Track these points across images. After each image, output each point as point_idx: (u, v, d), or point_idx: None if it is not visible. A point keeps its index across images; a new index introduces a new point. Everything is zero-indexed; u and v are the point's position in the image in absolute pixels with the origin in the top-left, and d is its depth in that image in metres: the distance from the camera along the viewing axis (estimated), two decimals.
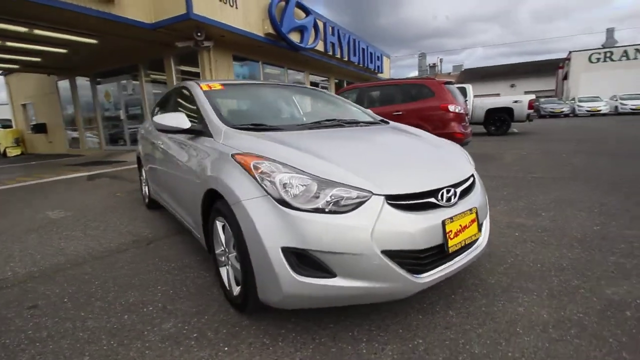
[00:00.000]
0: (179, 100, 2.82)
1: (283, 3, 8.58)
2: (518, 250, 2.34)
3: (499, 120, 11.32)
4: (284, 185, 1.43)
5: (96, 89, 10.74)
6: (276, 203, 1.42)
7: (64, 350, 1.55)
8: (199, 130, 2.12)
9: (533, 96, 11.34)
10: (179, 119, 2.15)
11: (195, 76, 8.38)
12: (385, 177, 1.53)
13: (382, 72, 16.38)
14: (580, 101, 22.79)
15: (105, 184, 5.81)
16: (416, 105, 6.08)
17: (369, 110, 2.99)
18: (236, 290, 1.75)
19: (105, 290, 2.10)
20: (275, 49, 9.39)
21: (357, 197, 1.41)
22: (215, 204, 1.81)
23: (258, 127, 2.04)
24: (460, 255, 1.62)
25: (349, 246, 1.35)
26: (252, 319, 1.69)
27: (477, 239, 1.71)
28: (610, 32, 35.51)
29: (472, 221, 1.66)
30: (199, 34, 7.06)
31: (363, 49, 13.74)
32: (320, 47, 10.53)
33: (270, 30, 8.37)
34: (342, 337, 1.53)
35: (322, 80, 13.43)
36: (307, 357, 1.41)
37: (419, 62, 46.44)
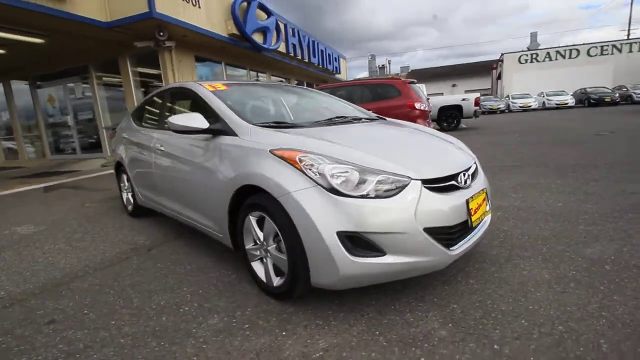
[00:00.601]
0: (178, 101, 2.77)
1: (245, 4, 8.51)
2: (505, 227, 2.68)
3: (450, 117, 12.27)
4: (333, 176, 1.56)
5: (37, 93, 9.70)
6: (327, 192, 1.54)
7: (111, 357, 1.51)
8: (219, 129, 2.14)
9: (478, 94, 12.48)
10: (197, 120, 2.15)
11: (155, 78, 7.99)
12: (416, 164, 1.72)
13: (339, 73, 16.84)
14: (513, 98, 25.38)
15: (67, 195, 5.35)
16: (385, 103, 6.46)
17: (361, 108, 3.18)
18: (276, 280, 1.83)
19: (126, 297, 2.03)
20: (238, 50, 9.27)
21: (399, 183, 1.58)
22: (247, 200, 1.87)
23: (280, 125, 2.13)
24: (477, 230, 1.86)
25: (396, 226, 1.52)
26: (296, 306, 1.78)
27: (487, 215, 1.98)
28: (533, 35, 39.92)
29: (484, 200, 1.92)
30: (161, 34, 6.75)
31: (322, 51, 14.04)
32: (282, 48, 10.58)
33: (235, 31, 8.25)
34: (387, 310, 1.68)
35: (282, 82, 13.48)
36: (363, 331, 1.54)
37: (369, 64, 48.18)
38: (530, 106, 24.20)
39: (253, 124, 2.06)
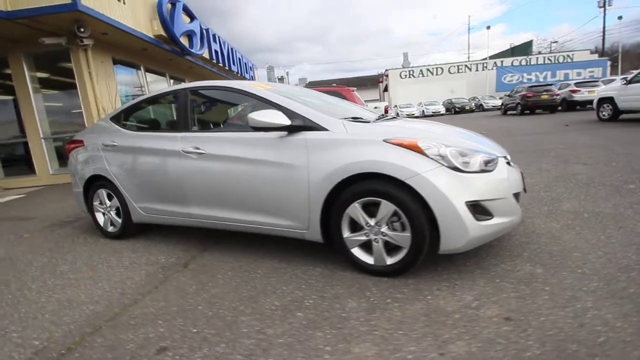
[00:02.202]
0: (216, 101, 2.57)
1: (170, 5, 7.85)
2: None
3: None
4: (453, 156, 1.85)
5: None
6: (451, 170, 1.83)
7: (296, 353, 1.46)
8: (300, 125, 2.17)
9: (387, 103, 14.26)
10: (279, 116, 2.14)
11: (68, 79, 6.63)
12: (487, 146, 2.15)
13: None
14: (400, 107, 29.50)
15: None
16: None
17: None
18: (389, 259, 2.00)
19: (232, 309, 1.87)
20: (161, 54, 8.46)
21: (495, 159, 1.98)
22: (350, 189, 1.99)
23: (357, 119, 2.29)
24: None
25: (500, 193, 1.91)
26: (413, 278, 1.98)
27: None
28: (405, 55, 47.13)
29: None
30: (81, 30, 5.70)
31: (239, 59, 13.80)
32: (205, 54, 10.06)
33: (162, 32, 7.52)
34: (488, 267, 2.06)
35: None
36: (487, 283, 1.87)
37: (267, 74, 48.73)
38: (413, 114, 28.58)
39: (343, 119, 2.19)
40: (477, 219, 1.83)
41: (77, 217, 4.28)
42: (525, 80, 29.59)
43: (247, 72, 15.05)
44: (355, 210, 2.02)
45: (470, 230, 1.81)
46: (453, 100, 28.45)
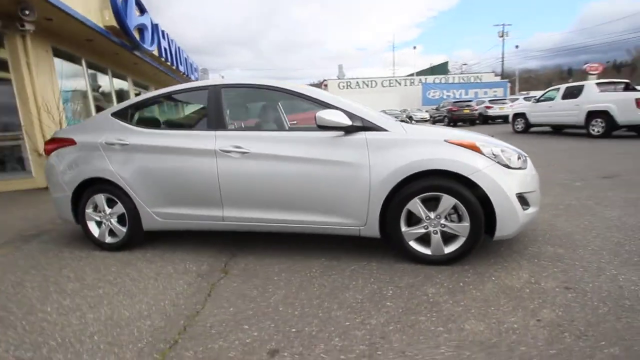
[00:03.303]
0: (255, 100, 2.48)
1: None
2: None
3: None
4: (504, 155, 2.15)
5: None
6: (502, 167, 2.12)
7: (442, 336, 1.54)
8: (360, 126, 2.26)
9: None
10: (341, 116, 2.21)
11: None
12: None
13: None
14: (412, 112, 30.39)
15: None
16: (307, 115, 7.02)
17: None
18: (447, 249, 2.20)
19: (317, 307, 1.87)
20: (106, 47, 7.57)
21: (525, 158, 2.33)
22: (410, 186, 2.15)
23: (405, 122, 2.46)
24: None
25: (533, 186, 2.26)
26: (468, 265, 2.21)
27: None
28: (340, 67, 49.37)
29: None
30: (26, 12, 4.81)
31: (185, 59, 12.97)
32: (155, 51, 9.27)
33: (113, 23, 6.73)
34: (527, 249, 2.39)
35: (142, 90, 11.59)
36: (534, 267, 2.19)
37: (201, 77, 46.45)
38: (426, 119, 29.67)
39: (398, 121, 2.35)
40: (523, 209, 2.15)
41: (39, 230, 3.63)
42: (445, 97, 33.41)
43: (192, 73, 14.22)
44: (416, 205, 2.19)
45: (520, 219, 2.12)
46: (387, 111, 30.70)
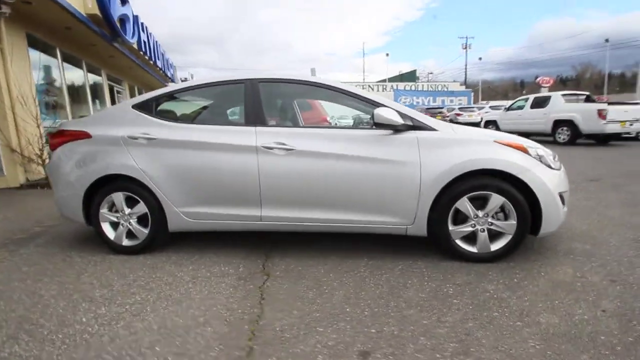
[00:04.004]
0: (295, 96, 2.40)
1: None
2: None
3: None
4: (547, 156, 2.25)
5: None
6: (546, 167, 2.22)
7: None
8: (410, 125, 2.26)
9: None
10: (395, 115, 2.20)
11: None
12: None
13: (175, 82, 15.16)
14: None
15: None
16: (304, 115, 6.95)
17: None
18: (493, 247, 2.26)
19: (385, 306, 1.84)
20: (84, 36, 7.00)
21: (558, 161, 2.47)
22: (458, 185, 2.20)
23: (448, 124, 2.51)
24: None
25: (567, 186, 2.39)
26: (511, 262, 2.28)
27: None
28: (313, 70, 49.30)
29: None
30: None
31: (162, 54, 12.36)
32: (134, 44, 8.74)
33: (96, 12, 6.26)
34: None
35: (114, 84, 10.86)
36: (574, 262, 2.31)
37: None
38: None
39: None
40: (563, 207, 2.26)
41: (29, 232, 3.26)
42: (415, 103, 34.68)
43: (168, 69, 13.58)
44: (464, 203, 2.23)
45: (561, 216, 2.23)
46: (361, 115, 31.29)
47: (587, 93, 11.07)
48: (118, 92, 10.74)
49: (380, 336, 1.59)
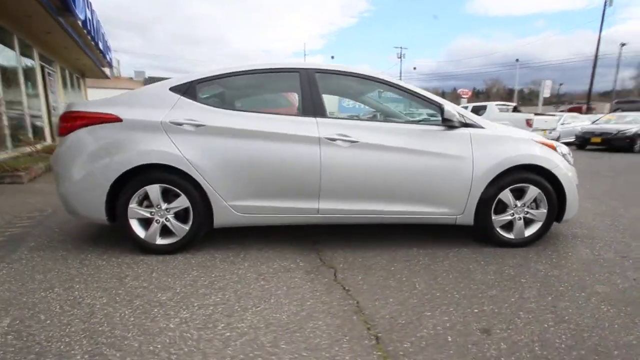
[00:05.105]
0: (356, 89, 2.38)
1: None
2: None
3: None
4: (568, 154, 2.64)
5: None
6: (567, 164, 2.60)
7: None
8: (464, 122, 2.45)
9: None
10: (457, 112, 2.36)
11: None
12: None
13: (112, 67, 13.48)
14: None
15: None
16: (282, 111, 6.83)
17: None
18: (527, 232, 2.57)
19: (470, 289, 1.97)
20: (24, 5, 5.91)
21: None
22: (505, 178, 2.46)
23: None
24: None
25: (577, 179, 2.82)
26: (540, 247, 2.61)
27: None
28: None
29: None
30: None
31: (103, 35, 10.89)
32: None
33: None
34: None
35: (46, 65, 9.25)
36: (590, 242, 2.73)
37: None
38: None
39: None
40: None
41: (8, 235, 2.68)
42: (357, 106, 36.24)
43: (107, 53, 12.01)
44: (507, 195, 2.50)
45: (578, 204, 2.63)
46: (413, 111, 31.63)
47: (515, 104, 12.87)
48: (49, 75, 9.21)
49: (485, 314, 1.72)
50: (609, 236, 2.86)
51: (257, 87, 2.85)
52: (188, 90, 2.38)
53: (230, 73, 2.47)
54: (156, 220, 2.33)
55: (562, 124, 12.65)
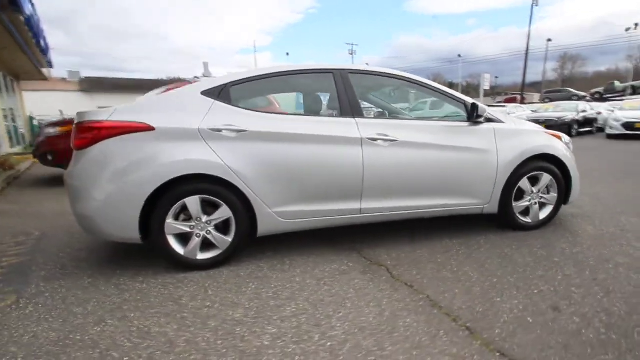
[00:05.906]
0: (387, 89, 2.39)
1: None
2: None
3: None
4: (570, 143, 2.94)
5: None
6: (569, 151, 2.90)
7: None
8: (489, 118, 2.62)
9: None
10: (485, 110, 2.50)
11: None
12: None
13: (52, 68, 12.03)
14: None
15: None
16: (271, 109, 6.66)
17: None
18: (542, 215, 2.82)
19: (517, 273, 2.12)
20: None
21: None
22: (525, 167, 2.68)
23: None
24: None
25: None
26: (553, 226, 2.88)
27: None
28: (206, 65, 46.03)
29: None
30: None
31: (43, 31, 9.64)
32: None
33: None
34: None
35: None
36: (604, 227, 3.06)
37: None
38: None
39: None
40: None
41: (7, 265, 2.32)
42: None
43: (47, 51, 10.69)
44: (525, 182, 2.73)
45: (579, 187, 2.95)
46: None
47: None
48: None
49: (545, 294, 1.88)
50: (601, 214, 3.23)
51: (291, 89, 2.77)
52: (222, 93, 2.25)
53: (263, 75, 2.37)
54: (196, 235, 2.19)
55: (509, 113, 13.98)
